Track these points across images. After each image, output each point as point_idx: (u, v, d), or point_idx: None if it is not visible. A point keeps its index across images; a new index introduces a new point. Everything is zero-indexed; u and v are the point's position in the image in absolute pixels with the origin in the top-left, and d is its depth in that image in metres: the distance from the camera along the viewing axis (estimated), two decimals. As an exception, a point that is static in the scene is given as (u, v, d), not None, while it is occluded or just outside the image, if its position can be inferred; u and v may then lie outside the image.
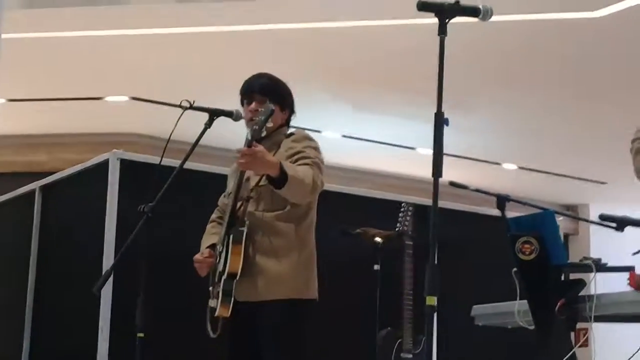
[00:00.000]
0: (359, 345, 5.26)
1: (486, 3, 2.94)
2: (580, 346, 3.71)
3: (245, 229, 3.63)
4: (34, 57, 7.44)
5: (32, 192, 5.80)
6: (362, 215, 5.48)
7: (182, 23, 6.85)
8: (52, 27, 6.94)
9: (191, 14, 6.70)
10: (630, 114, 6.56)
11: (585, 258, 3.75)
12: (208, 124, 3.85)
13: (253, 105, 3.75)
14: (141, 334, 3.68)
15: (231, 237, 3.63)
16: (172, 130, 3.77)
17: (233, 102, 3.88)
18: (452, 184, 4.08)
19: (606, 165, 9.61)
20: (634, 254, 3.59)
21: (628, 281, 3.55)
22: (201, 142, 3.78)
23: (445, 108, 2.78)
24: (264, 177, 3.59)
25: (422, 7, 2.87)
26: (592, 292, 3.59)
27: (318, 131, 8.56)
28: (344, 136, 9.35)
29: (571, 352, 3.61)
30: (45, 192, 5.74)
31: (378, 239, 5.15)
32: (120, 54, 7.35)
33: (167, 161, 4.07)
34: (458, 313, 4.50)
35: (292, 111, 3.88)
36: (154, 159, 4.60)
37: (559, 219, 3.84)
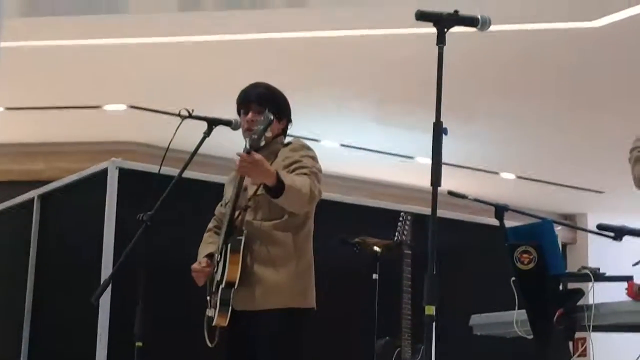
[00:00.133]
0: (357, 355, 5.25)
1: (484, 13, 2.94)
2: (578, 356, 3.71)
3: (243, 238, 3.63)
4: (33, 66, 7.44)
5: (31, 200, 5.80)
6: (360, 224, 5.48)
7: (180, 32, 6.85)
8: (51, 36, 6.95)
9: (190, 23, 6.71)
10: (628, 123, 6.57)
11: (584, 267, 3.75)
12: (207, 133, 3.85)
13: (250, 115, 3.75)
14: (139, 343, 3.68)
15: (229, 246, 3.63)
16: (171, 139, 3.77)
17: (232, 111, 3.88)
18: (451, 193, 4.09)
19: (604, 174, 9.62)
20: (635, 264, 3.60)
21: (626, 291, 3.55)
22: (200, 151, 3.78)
23: (443, 117, 2.78)
24: (261, 186, 3.59)
25: (421, 17, 2.88)
26: (591, 301, 3.59)
27: (317, 140, 8.57)
28: (343, 145, 9.35)
29: (569, 362, 3.61)
30: (44, 200, 5.73)
31: (377, 248, 5.15)
32: (119, 62, 7.35)
33: (166, 170, 4.07)
34: (457, 322, 4.50)
35: (289, 120, 3.88)
36: (152, 168, 4.60)
37: (557, 229, 3.84)
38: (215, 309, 3.63)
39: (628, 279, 3.55)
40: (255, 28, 6.72)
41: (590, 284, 3.63)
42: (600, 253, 8.56)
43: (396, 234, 5.16)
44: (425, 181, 2.87)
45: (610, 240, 3.82)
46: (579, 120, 8.41)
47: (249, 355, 3.65)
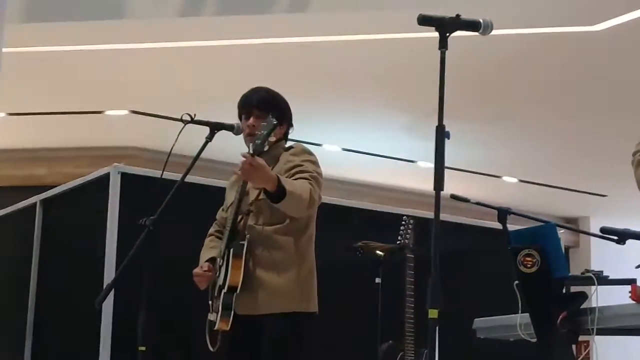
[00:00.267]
0: (360, 359, 5.25)
1: (486, 17, 2.94)
2: (582, 359, 3.70)
3: (245, 243, 3.63)
4: (35, 71, 7.45)
5: (33, 205, 5.81)
6: (363, 228, 5.48)
7: (182, 37, 6.86)
8: (53, 42, 6.95)
9: (191, 28, 6.71)
10: (630, 126, 6.56)
11: (587, 271, 3.75)
12: (209, 138, 3.85)
13: (251, 120, 3.76)
14: (142, 347, 3.68)
15: (231, 251, 3.63)
16: (174, 144, 3.77)
17: (234, 116, 3.88)
18: (454, 197, 4.08)
19: (607, 178, 9.61)
20: (638, 267, 3.59)
21: (630, 294, 3.54)
22: (202, 155, 3.78)
23: (445, 121, 2.78)
24: (262, 191, 3.59)
25: (423, 21, 2.88)
26: (594, 304, 3.59)
27: (319, 144, 8.58)
28: (345, 149, 9.35)
29: (573, 365, 3.61)
30: (47, 205, 5.74)
31: (379, 252, 5.15)
32: (121, 68, 7.36)
33: (168, 175, 4.07)
34: (460, 326, 4.49)
35: (290, 125, 3.88)
36: (154, 173, 4.61)
37: (560, 232, 3.84)
38: (217, 313, 3.63)
39: (631, 282, 3.55)
40: (256, 33, 6.72)
41: (593, 287, 3.63)
42: (603, 256, 8.58)
43: (399, 237, 5.16)
44: (427, 185, 2.86)
45: (614, 243, 3.82)
46: (581, 123, 8.41)
47: (252, 360, 3.66)
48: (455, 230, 5.75)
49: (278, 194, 3.45)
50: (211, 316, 3.70)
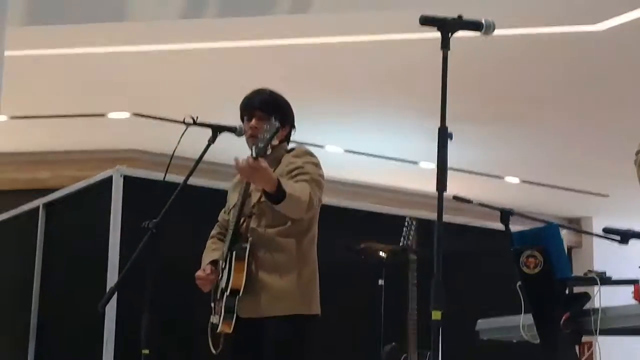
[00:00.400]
0: (363, 361, 5.25)
1: (487, 16, 2.94)
2: (585, 360, 3.70)
3: (248, 246, 3.63)
4: (37, 74, 7.45)
5: (36, 209, 5.81)
6: (366, 230, 5.48)
7: (184, 39, 6.86)
8: (54, 44, 6.96)
9: (193, 30, 6.71)
10: (633, 126, 6.56)
11: (590, 271, 3.75)
12: (211, 140, 3.85)
13: (254, 121, 3.75)
14: (146, 351, 3.68)
15: (234, 253, 3.63)
16: (176, 146, 3.77)
17: (236, 118, 3.88)
18: (456, 198, 4.08)
19: (609, 178, 9.60)
20: (641, 266, 3.59)
21: (633, 294, 3.54)
22: (205, 157, 3.78)
23: (448, 122, 2.77)
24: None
25: (425, 22, 2.87)
26: (597, 305, 3.58)
27: (321, 146, 8.57)
28: (347, 151, 9.35)
29: (576, 366, 3.60)
30: (49, 208, 5.74)
31: (382, 254, 5.15)
32: (122, 70, 7.36)
33: (171, 177, 4.07)
34: (463, 327, 4.49)
35: (292, 126, 3.87)
36: (157, 175, 4.61)
37: (563, 232, 3.84)
38: (219, 315, 3.63)
39: (634, 282, 3.55)
40: (258, 35, 6.72)
41: (596, 287, 3.63)
42: (606, 256, 8.55)
43: (401, 239, 5.16)
44: (429, 186, 2.86)
45: (616, 243, 3.82)
46: (584, 123, 8.39)
47: (255, 362, 3.65)
48: (457, 232, 5.74)
49: (278, 195, 3.45)
50: (214, 319, 3.70)
